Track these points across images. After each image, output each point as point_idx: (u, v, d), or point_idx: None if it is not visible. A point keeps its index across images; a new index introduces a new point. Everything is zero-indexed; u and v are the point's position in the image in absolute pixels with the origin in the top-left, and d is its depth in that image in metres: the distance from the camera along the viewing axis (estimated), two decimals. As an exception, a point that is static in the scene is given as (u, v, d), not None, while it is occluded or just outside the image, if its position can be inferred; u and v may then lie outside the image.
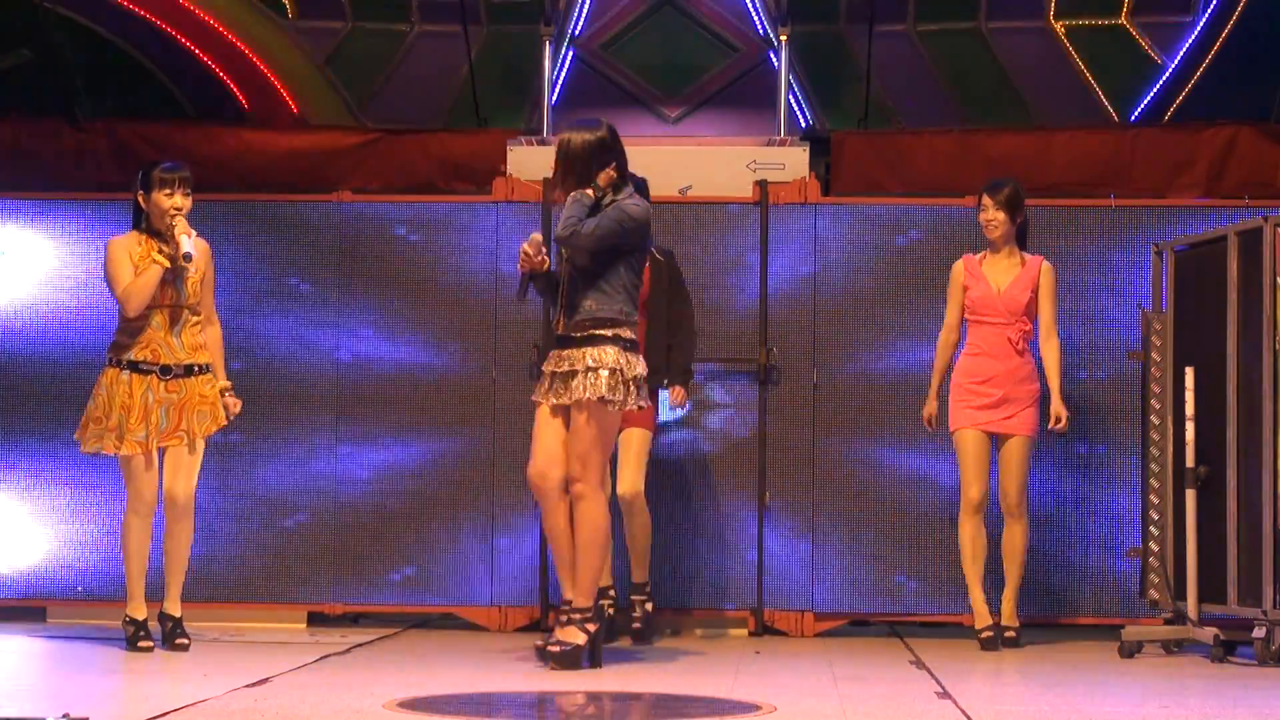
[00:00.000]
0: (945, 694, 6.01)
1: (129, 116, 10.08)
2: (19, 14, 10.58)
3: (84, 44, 10.76)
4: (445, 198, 8.86)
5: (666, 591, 8.17)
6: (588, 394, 6.56)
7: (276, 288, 8.44)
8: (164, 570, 7.18)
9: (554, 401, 6.68)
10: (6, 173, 9.25)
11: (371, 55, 12.05)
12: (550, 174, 8.42)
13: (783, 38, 10.20)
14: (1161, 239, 8.15)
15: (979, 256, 7.89)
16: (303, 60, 11.70)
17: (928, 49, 12.02)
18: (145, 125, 9.86)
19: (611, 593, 7.73)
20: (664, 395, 7.82)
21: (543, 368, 6.79)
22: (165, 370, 7.07)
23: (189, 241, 7.00)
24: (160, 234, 7.08)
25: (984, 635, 7.71)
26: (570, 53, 11.78)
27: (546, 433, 6.74)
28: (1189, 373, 7.55)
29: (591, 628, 6.62)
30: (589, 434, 6.60)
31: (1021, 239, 7.90)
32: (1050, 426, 7.75)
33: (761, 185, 8.43)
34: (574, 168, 6.68)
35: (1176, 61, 11.57)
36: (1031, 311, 7.79)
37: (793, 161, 8.69)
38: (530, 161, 8.65)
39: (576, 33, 11.85)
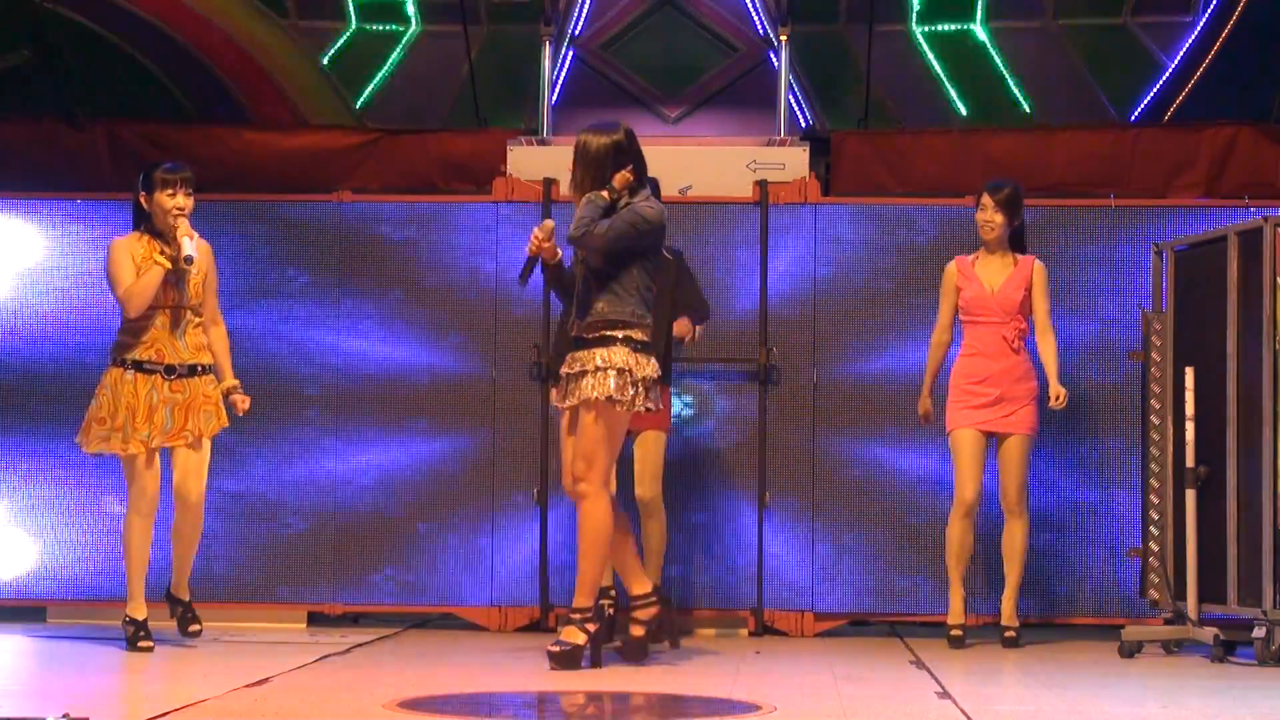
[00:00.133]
0: (945, 694, 6.00)
1: (129, 116, 10.08)
2: (19, 14, 10.58)
3: (84, 44, 10.76)
4: (445, 198, 8.86)
5: (667, 591, 8.16)
6: (595, 393, 6.56)
7: (276, 288, 8.44)
8: (172, 557, 7.23)
9: (567, 403, 6.70)
10: (6, 172, 9.25)
11: (371, 55, 12.05)
12: (549, 174, 8.47)
13: (783, 38, 10.20)
14: (1161, 239, 8.15)
15: (972, 257, 7.90)
16: (303, 60, 11.70)
17: (928, 49, 12.01)
18: (145, 125, 9.86)
19: (612, 592, 7.73)
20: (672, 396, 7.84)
21: (559, 371, 6.80)
22: (170, 370, 7.08)
23: (191, 244, 7.01)
24: (162, 234, 7.09)
25: (953, 633, 7.75)
26: (570, 53, 11.78)
27: (570, 442, 6.80)
28: (1189, 373, 7.55)
29: (591, 628, 6.63)
30: (595, 433, 6.61)
31: (1018, 242, 7.90)
32: (1050, 405, 7.75)
33: (761, 185, 8.43)
34: (590, 169, 6.68)
35: (1176, 61, 11.57)
36: (1026, 310, 7.80)
37: (793, 161, 8.69)
38: (530, 161, 8.65)
39: (576, 33, 11.85)
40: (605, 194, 6.63)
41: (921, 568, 8.13)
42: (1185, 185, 9.35)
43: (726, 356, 8.33)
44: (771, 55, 11.28)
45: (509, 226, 8.46)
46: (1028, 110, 11.78)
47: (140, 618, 7.11)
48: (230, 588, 8.28)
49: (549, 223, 6.79)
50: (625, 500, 7.76)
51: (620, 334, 6.61)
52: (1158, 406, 7.91)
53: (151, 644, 7.08)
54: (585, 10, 11.87)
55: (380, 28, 12.24)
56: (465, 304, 8.44)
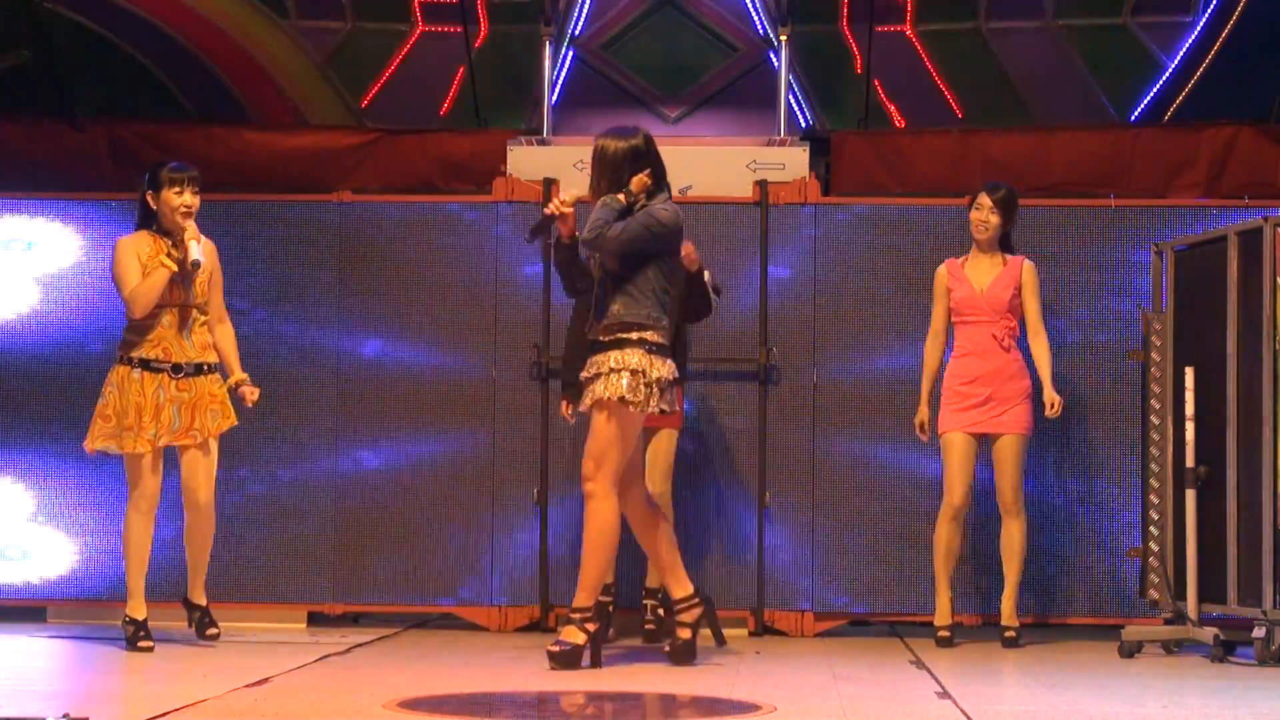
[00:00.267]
0: (945, 694, 6.01)
1: (129, 116, 10.08)
2: (19, 14, 10.58)
3: (84, 44, 10.76)
4: (445, 198, 8.86)
5: (664, 592, 8.16)
6: (607, 394, 6.58)
7: (276, 287, 8.44)
8: (187, 562, 7.27)
9: (583, 405, 6.74)
10: (6, 172, 9.25)
11: (371, 55, 12.04)
12: (549, 174, 8.48)
13: (783, 38, 10.20)
14: (1161, 239, 8.15)
15: (962, 259, 7.92)
16: (303, 60, 11.69)
17: (928, 49, 12.01)
18: (145, 125, 9.86)
19: (613, 590, 7.73)
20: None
21: (580, 378, 6.83)
22: (177, 369, 7.10)
23: (197, 248, 7.05)
24: (170, 233, 7.11)
25: (940, 634, 7.77)
26: (570, 53, 11.77)
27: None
28: (1189, 373, 7.55)
29: (591, 627, 6.63)
30: (606, 434, 6.63)
31: (1006, 243, 7.91)
32: (1046, 414, 7.76)
33: (761, 185, 8.43)
34: (607, 173, 6.70)
35: (1176, 61, 11.56)
36: (1016, 309, 7.80)
37: (793, 161, 8.69)
38: (530, 161, 8.65)
39: (576, 33, 11.85)
40: (621, 197, 6.64)
41: (922, 568, 8.13)
42: (1185, 185, 9.35)
43: (726, 356, 8.33)
44: (771, 55, 11.28)
45: (509, 226, 8.46)
46: (1028, 110, 11.77)
47: (140, 617, 7.11)
48: (230, 588, 8.28)
49: (575, 191, 6.78)
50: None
51: (635, 336, 6.62)
52: (1158, 406, 7.91)
53: (152, 644, 7.08)
54: (585, 10, 11.87)
55: (380, 28, 12.23)
56: (465, 304, 8.44)
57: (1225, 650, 7.23)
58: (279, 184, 9.02)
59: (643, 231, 6.60)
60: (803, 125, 11.16)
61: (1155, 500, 7.92)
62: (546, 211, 6.75)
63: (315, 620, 8.43)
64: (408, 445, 8.41)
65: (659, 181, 6.74)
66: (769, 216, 8.39)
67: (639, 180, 6.67)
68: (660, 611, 7.81)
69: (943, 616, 7.82)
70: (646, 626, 7.79)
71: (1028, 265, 7.86)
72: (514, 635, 8.17)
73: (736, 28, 11.89)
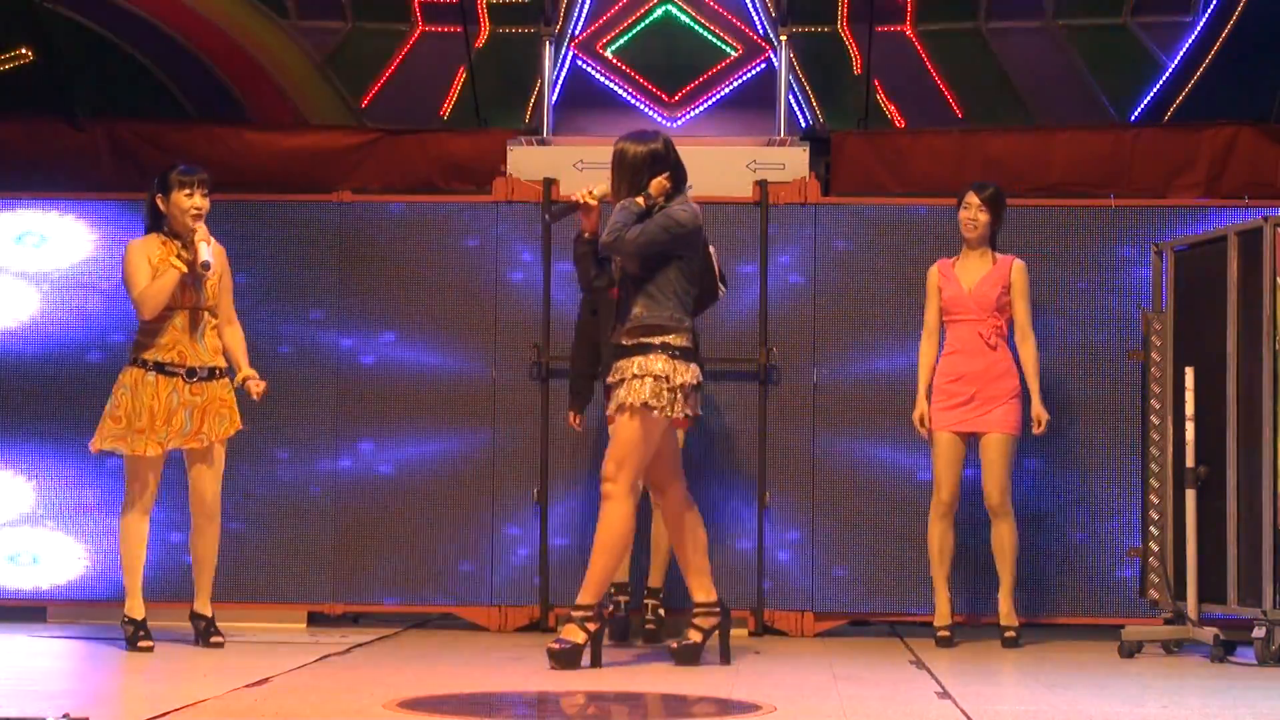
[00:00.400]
0: (945, 694, 6.01)
1: (129, 116, 10.08)
2: (19, 14, 10.58)
3: (84, 44, 10.76)
4: (445, 198, 8.86)
5: (667, 591, 8.16)
6: (631, 399, 6.60)
7: (276, 287, 8.44)
8: (193, 571, 7.29)
9: (609, 410, 6.76)
10: (6, 172, 9.25)
11: (371, 55, 12.04)
12: (549, 174, 8.48)
13: (783, 38, 10.20)
14: (1161, 239, 8.16)
15: (953, 260, 7.92)
16: (303, 60, 11.69)
17: (928, 49, 12.01)
18: (145, 125, 9.86)
19: (659, 594, 7.72)
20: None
21: (606, 382, 6.87)
22: (191, 373, 7.12)
23: (208, 250, 7.06)
24: (180, 236, 7.13)
25: (940, 634, 7.78)
26: (570, 53, 11.77)
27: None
28: (1189, 373, 7.55)
29: (592, 627, 6.64)
30: (629, 438, 6.65)
31: (992, 240, 7.92)
32: (1034, 430, 7.77)
33: (761, 185, 8.43)
34: (626, 177, 6.74)
35: (1176, 61, 11.56)
36: (1004, 308, 7.80)
37: (793, 161, 8.69)
38: (530, 161, 8.65)
39: (576, 33, 11.85)
40: (640, 200, 6.67)
41: (922, 568, 8.12)
42: (1185, 185, 9.35)
43: (726, 356, 8.33)
44: (771, 55, 11.28)
45: (509, 226, 8.46)
46: (1028, 110, 11.77)
47: (139, 617, 7.12)
48: (230, 588, 8.27)
49: (604, 186, 6.80)
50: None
51: (659, 340, 6.65)
52: (1158, 406, 7.91)
53: (151, 643, 7.09)
54: (585, 10, 11.87)
55: (380, 28, 12.23)
56: (465, 304, 8.44)
57: (1225, 650, 7.23)
58: (279, 184, 9.02)
59: (661, 233, 6.64)
60: (803, 125, 11.15)
61: (1155, 500, 7.92)
62: (573, 199, 6.79)
63: (315, 620, 8.43)
64: (408, 445, 8.41)
65: (678, 184, 6.78)
66: (769, 216, 8.39)
67: (658, 183, 6.71)
68: (661, 612, 7.82)
69: (942, 617, 7.82)
70: (647, 626, 7.80)
71: (1018, 265, 7.86)
72: (514, 635, 8.17)
73: (736, 28, 11.89)
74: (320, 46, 12.05)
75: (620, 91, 11.59)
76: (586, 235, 6.83)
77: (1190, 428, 7.53)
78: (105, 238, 8.49)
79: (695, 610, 6.92)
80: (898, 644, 7.95)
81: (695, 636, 6.87)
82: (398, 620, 8.47)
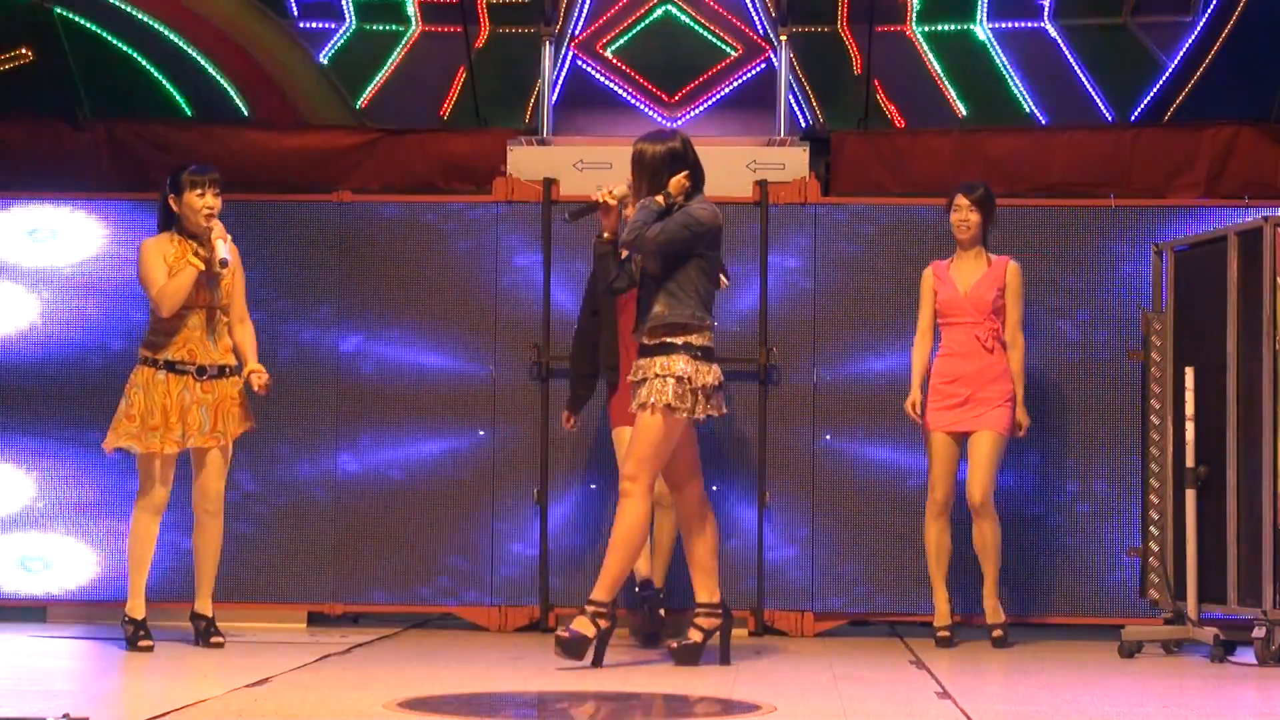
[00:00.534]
0: (945, 694, 6.01)
1: (129, 116, 10.07)
2: (19, 14, 10.57)
3: (84, 44, 10.76)
4: (445, 198, 8.86)
5: (667, 591, 8.16)
6: (653, 399, 6.62)
7: (276, 287, 8.44)
8: (195, 571, 7.32)
9: (632, 408, 6.78)
10: (6, 172, 9.25)
11: (371, 55, 12.05)
12: (549, 174, 8.48)
13: (783, 38, 10.20)
14: (1161, 239, 8.16)
15: (947, 261, 7.92)
16: (303, 60, 11.69)
17: (928, 49, 12.01)
18: (145, 125, 9.86)
19: (662, 594, 7.72)
20: None
21: (627, 379, 6.89)
22: (201, 371, 7.15)
23: (225, 247, 7.09)
24: (193, 235, 7.14)
25: (940, 634, 7.79)
26: (570, 53, 11.77)
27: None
28: (1189, 373, 7.55)
29: (603, 624, 6.65)
30: (651, 438, 6.67)
31: (984, 240, 7.92)
32: (1015, 434, 7.77)
33: (761, 185, 8.43)
34: (645, 176, 6.77)
35: (1176, 61, 11.56)
36: (1000, 310, 7.80)
37: (793, 161, 8.69)
38: (530, 161, 8.64)
39: (576, 33, 11.84)
40: (660, 199, 6.70)
41: (921, 568, 8.11)
42: (1185, 185, 9.34)
43: (726, 356, 8.31)
44: (771, 55, 11.27)
45: (509, 226, 8.46)
46: (1028, 110, 11.77)
47: (139, 617, 7.13)
48: (230, 588, 8.27)
49: (624, 186, 6.81)
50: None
51: (680, 340, 6.68)
52: (1158, 406, 7.91)
53: (151, 643, 7.10)
54: (585, 10, 11.87)
55: (380, 28, 12.23)
56: (465, 304, 8.44)
57: (1225, 650, 7.23)
58: (279, 184, 9.02)
59: (681, 231, 6.66)
60: (803, 125, 11.16)
61: (1155, 500, 7.92)
62: (593, 198, 6.81)
63: (315, 620, 8.43)
64: (408, 445, 8.41)
65: (697, 183, 6.80)
66: (769, 216, 8.39)
67: (677, 182, 6.74)
68: (662, 611, 7.81)
69: (942, 617, 7.82)
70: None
71: (1013, 267, 7.86)
72: (514, 635, 8.18)
73: (736, 28, 11.89)
74: (320, 46, 12.05)
75: (620, 91, 11.59)
76: (607, 235, 6.86)
77: (1190, 428, 7.53)
78: (116, 234, 8.48)
79: (697, 610, 6.92)
80: (898, 644, 7.95)
81: (696, 636, 6.87)
82: (398, 620, 8.47)
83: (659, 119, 11.33)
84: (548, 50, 10.03)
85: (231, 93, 10.97)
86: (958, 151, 9.69)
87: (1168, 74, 11.58)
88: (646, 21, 11.87)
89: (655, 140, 6.83)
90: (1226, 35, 11.15)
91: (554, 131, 9.70)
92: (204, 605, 7.28)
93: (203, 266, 7.11)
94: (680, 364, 6.65)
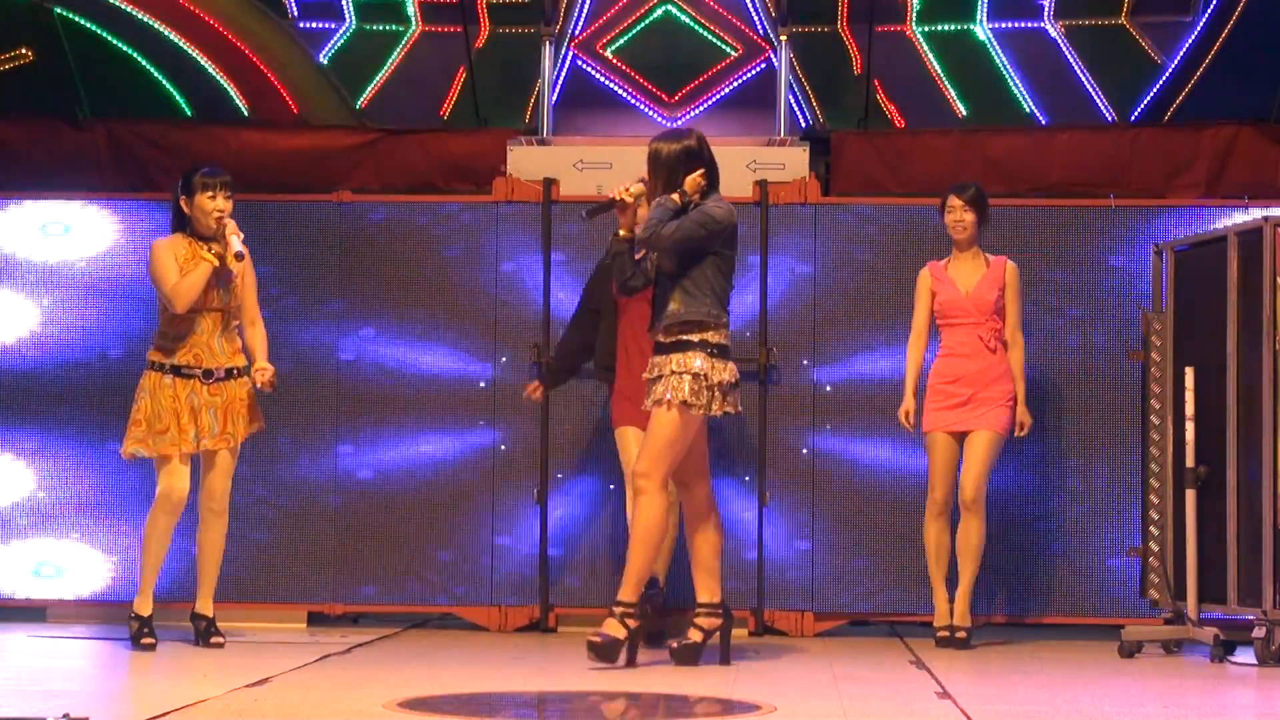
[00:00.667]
0: (945, 694, 6.01)
1: (129, 116, 10.07)
2: (19, 14, 10.57)
3: (84, 44, 10.76)
4: (445, 198, 8.86)
5: (667, 592, 8.16)
6: (670, 396, 6.63)
7: (276, 288, 8.44)
8: (197, 570, 7.33)
9: (645, 405, 6.80)
10: (7, 172, 9.25)
11: (371, 55, 12.05)
12: (549, 174, 8.48)
13: (783, 38, 10.19)
14: (1161, 239, 8.16)
15: (944, 262, 7.92)
16: (303, 60, 11.69)
17: (928, 49, 12.01)
18: (145, 125, 9.86)
19: (662, 589, 7.72)
20: None
21: (643, 376, 6.90)
22: (208, 374, 7.17)
23: (238, 242, 7.10)
24: (204, 238, 7.18)
25: (940, 634, 7.78)
26: (570, 53, 11.77)
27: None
28: (1189, 373, 7.55)
29: (632, 624, 6.67)
30: (665, 435, 6.68)
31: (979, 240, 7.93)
32: (1015, 433, 7.78)
33: (761, 185, 8.43)
34: (661, 175, 6.79)
35: (1176, 61, 11.56)
36: (1001, 310, 7.80)
37: (793, 161, 8.69)
38: (530, 161, 8.65)
39: (576, 33, 11.84)
40: (675, 197, 6.71)
41: (921, 568, 8.11)
42: (1185, 185, 9.35)
43: (726, 356, 8.32)
44: (771, 55, 11.27)
45: (509, 226, 8.46)
46: (1028, 110, 11.77)
47: (145, 614, 7.16)
48: (230, 588, 8.26)
49: (642, 185, 6.82)
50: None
51: (697, 338, 6.69)
52: (1158, 406, 7.91)
53: (154, 641, 7.11)
54: (585, 10, 11.86)
55: (380, 28, 12.23)
56: (465, 304, 8.44)
57: (1225, 650, 7.23)
58: (279, 184, 9.02)
59: (697, 229, 6.68)
60: (803, 125, 11.15)
61: (1155, 500, 7.92)
62: (611, 195, 6.83)
63: (315, 620, 8.43)
64: (408, 445, 8.41)
65: (713, 181, 6.82)
66: (769, 216, 8.39)
67: (693, 180, 6.75)
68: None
69: (941, 617, 7.82)
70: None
71: (1011, 266, 7.86)
72: (514, 635, 8.18)
73: (736, 28, 11.89)
74: (320, 46, 12.05)
75: (620, 91, 11.59)
76: (623, 233, 6.87)
77: (1190, 428, 7.53)
78: (105, 237, 8.48)
79: (698, 610, 6.92)
80: (898, 644, 7.95)
81: (696, 636, 6.87)
82: (398, 620, 8.47)
83: (659, 119, 11.32)
84: (548, 50, 10.03)
85: (231, 93, 10.97)
86: (958, 151, 9.69)
87: (1168, 74, 11.58)
88: (646, 21, 11.86)
89: (671, 139, 6.85)
90: (1226, 35, 11.15)
91: (554, 131, 9.70)
92: (205, 605, 7.30)
93: (217, 263, 7.15)
94: (697, 361, 6.67)
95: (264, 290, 8.36)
